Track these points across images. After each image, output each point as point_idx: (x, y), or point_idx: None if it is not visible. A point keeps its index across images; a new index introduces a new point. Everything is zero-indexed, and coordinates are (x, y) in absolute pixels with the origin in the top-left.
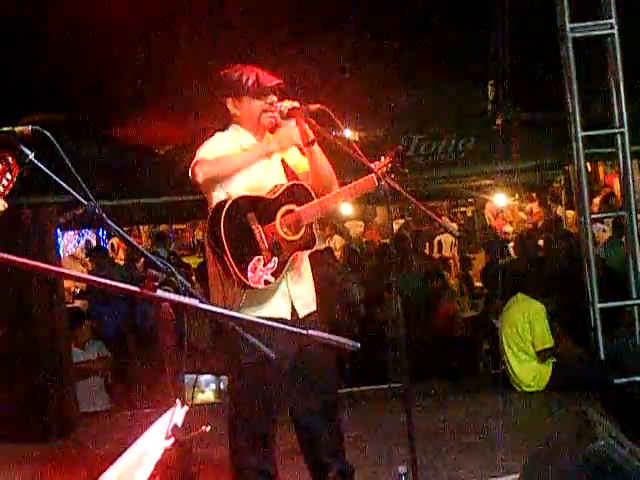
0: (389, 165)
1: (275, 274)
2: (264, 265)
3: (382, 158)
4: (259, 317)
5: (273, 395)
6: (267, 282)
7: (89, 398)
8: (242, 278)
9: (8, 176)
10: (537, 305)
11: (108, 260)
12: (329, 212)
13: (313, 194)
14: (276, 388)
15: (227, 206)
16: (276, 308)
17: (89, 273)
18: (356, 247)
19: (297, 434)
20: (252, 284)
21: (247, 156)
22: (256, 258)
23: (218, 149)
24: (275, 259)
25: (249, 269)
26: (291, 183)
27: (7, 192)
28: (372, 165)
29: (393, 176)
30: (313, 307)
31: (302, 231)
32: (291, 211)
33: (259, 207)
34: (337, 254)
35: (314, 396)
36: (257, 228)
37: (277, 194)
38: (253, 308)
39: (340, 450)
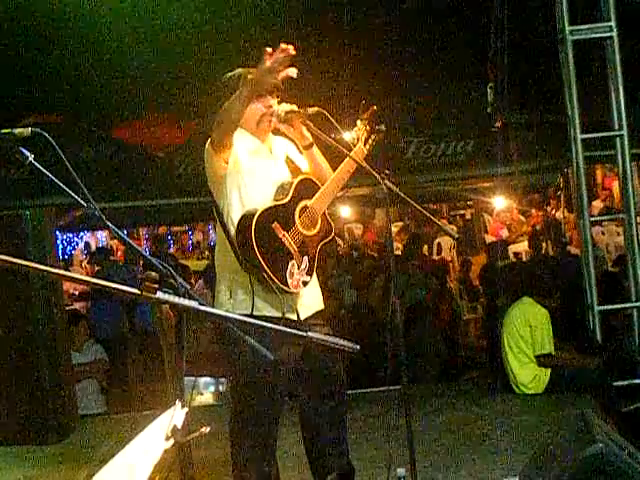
0: (368, 128)
1: (309, 272)
2: (298, 267)
3: (358, 123)
4: (267, 318)
5: (275, 397)
6: (305, 283)
7: (86, 401)
8: (284, 287)
9: None
10: (541, 310)
11: (112, 261)
12: (336, 195)
13: (319, 184)
14: (278, 390)
15: (254, 227)
16: (285, 309)
17: (93, 275)
18: (353, 250)
19: (302, 433)
20: (293, 289)
21: (240, 98)
22: (291, 264)
23: None
24: (305, 258)
25: (287, 276)
26: (298, 180)
27: None
28: (375, 172)
29: (374, 137)
30: (317, 307)
31: (319, 222)
32: (305, 207)
33: (278, 215)
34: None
35: (321, 397)
36: (284, 236)
37: (289, 196)
38: (262, 310)
39: (344, 451)
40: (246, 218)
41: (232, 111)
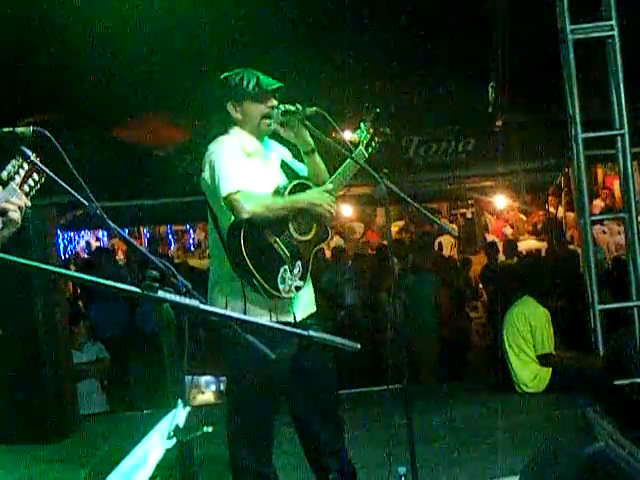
0: (371, 131)
1: (303, 277)
2: (291, 273)
3: (362, 125)
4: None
5: (272, 396)
6: (298, 288)
7: (87, 400)
8: (274, 293)
9: (35, 177)
10: (540, 310)
11: (112, 261)
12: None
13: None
14: (275, 389)
15: (243, 232)
16: (278, 312)
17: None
18: (357, 249)
19: (298, 434)
20: (285, 295)
21: (289, 206)
22: (282, 269)
23: (238, 166)
24: (299, 263)
25: (279, 282)
26: (293, 184)
27: (32, 192)
28: (374, 171)
29: (377, 139)
30: (312, 309)
31: (314, 227)
32: (300, 211)
33: (270, 220)
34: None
35: (315, 396)
36: (275, 241)
37: None
38: (256, 314)
39: (342, 450)
40: (237, 223)
41: (271, 213)
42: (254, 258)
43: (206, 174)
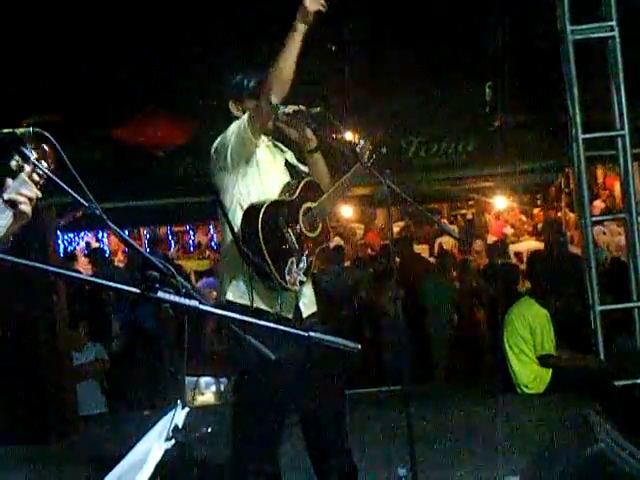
0: (371, 147)
1: (306, 272)
2: (297, 266)
3: (361, 141)
4: (262, 312)
5: (278, 397)
6: (301, 282)
7: (87, 401)
8: (282, 282)
9: (44, 164)
10: (541, 311)
11: (106, 261)
12: (337, 203)
13: (323, 188)
14: (281, 389)
15: (261, 216)
16: (283, 307)
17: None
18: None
19: (303, 433)
20: (290, 287)
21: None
22: (290, 260)
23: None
24: (304, 258)
25: (286, 272)
26: (305, 181)
27: (42, 181)
28: (376, 172)
29: (375, 156)
30: (314, 307)
31: (320, 226)
32: (309, 209)
33: (284, 210)
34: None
35: (322, 396)
36: (287, 231)
37: (296, 194)
38: (262, 307)
39: (346, 450)
40: (253, 209)
41: (287, 62)
42: (268, 244)
43: (215, 152)
